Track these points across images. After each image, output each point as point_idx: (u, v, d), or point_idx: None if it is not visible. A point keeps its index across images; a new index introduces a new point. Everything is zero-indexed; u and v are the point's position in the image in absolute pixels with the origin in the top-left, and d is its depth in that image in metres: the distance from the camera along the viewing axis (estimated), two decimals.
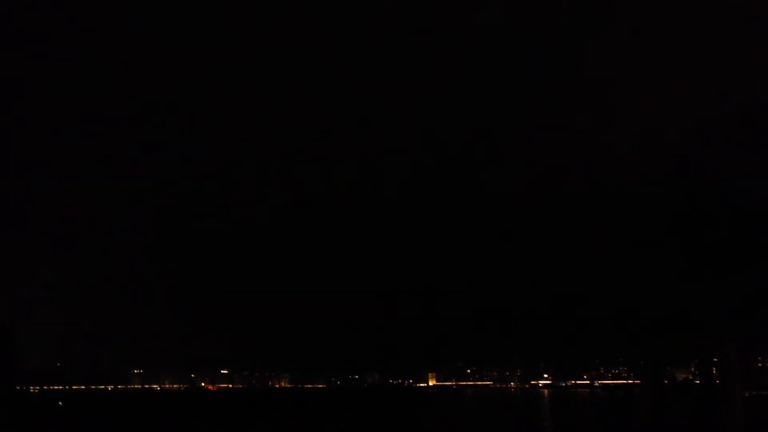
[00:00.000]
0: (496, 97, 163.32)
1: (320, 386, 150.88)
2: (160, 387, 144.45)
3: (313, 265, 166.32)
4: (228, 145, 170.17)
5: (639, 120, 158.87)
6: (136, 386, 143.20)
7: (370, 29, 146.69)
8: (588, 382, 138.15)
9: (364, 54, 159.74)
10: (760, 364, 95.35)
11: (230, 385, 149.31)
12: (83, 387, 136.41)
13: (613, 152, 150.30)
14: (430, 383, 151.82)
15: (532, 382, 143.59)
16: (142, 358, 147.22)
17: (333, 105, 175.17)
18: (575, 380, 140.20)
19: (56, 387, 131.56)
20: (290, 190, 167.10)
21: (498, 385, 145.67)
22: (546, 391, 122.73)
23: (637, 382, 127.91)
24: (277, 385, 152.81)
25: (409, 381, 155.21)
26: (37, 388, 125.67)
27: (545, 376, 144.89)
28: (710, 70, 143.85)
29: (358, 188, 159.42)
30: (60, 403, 59.90)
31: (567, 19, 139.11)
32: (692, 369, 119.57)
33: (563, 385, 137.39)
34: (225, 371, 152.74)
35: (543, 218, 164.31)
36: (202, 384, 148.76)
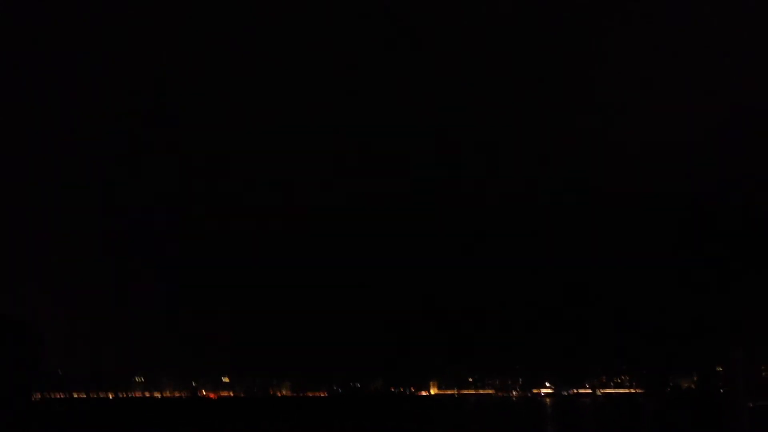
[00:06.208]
0: (498, 98, 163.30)
1: (321, 394, 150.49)
2: (161, 395, 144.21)
3: (313, 270, 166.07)
4: (226, 146, 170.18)
5: (644, 123, 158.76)
6: (137, 394, 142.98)
7: (371, 28, 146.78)
8: (590, 390, 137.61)
9: (363, 54, 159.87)
10: (764, 374, 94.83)
11: (231, 393, 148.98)
12: (84, 395, 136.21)
13: (615, 156, 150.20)
14: (432, 392, 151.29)
15: (534, 391, 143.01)
16: (143, 366, 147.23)
17: (332, 105, 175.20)
18: (577, 389, 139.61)
19: (57, 394, 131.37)
20: (289, 194, 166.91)
21: (500, 394, 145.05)
22: (548, 399, 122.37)
23: (640, 390, 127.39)
24: (279, 393, 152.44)
25: (410, 389, 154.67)
26: (38, 395, 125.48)
27: (547, 384, 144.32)
28: (718, 72, 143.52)
29: (359, 191, 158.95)
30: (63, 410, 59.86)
31: (571, 18, 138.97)
32: (694, 378, 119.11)
33: (565, 393, 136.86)
34: (226, 379, 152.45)
35: (545, 224, 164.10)
36: (203, 392, 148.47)
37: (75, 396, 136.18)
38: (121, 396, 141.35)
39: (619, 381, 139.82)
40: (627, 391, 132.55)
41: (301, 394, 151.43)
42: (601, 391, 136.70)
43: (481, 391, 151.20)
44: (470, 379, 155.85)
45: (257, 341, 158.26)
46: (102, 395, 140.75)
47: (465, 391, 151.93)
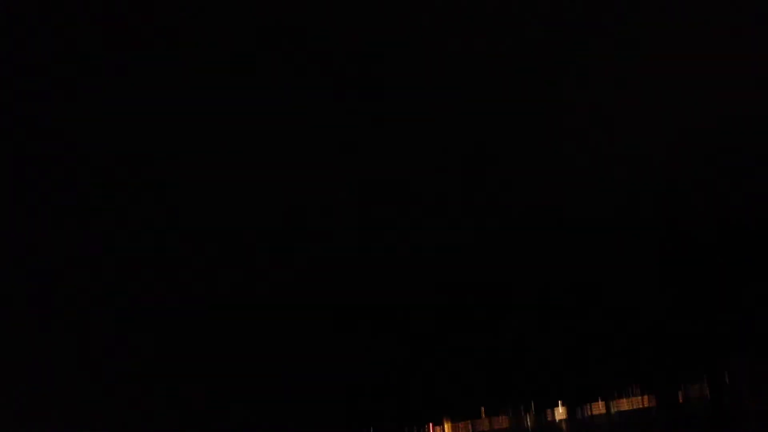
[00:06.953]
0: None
1: None
2: None
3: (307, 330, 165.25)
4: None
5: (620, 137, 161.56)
6: None
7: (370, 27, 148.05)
8: (605, 408, 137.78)
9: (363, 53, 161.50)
10: None
11: None
12: None
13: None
14: (446, 428, 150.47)
15: (548, 411, 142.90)
16: None
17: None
18: (591, 405, 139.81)
19: None
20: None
21: (515, 421, 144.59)
22: (564, 423, 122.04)
23: (652, 400, 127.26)
24: None
25: (424, 428, 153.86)
26: None
27: (559, 402, 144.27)
28: (699, 79, 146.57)
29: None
30: None
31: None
32: (706, 386, 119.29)
33: (580, 413, 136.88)
34: None
35: (545, 243, 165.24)
36: None
37: None
38: None
39: (630, 393, 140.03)
40: (640, 401, 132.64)
41: None
42: (617, 402, 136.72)
43: (494, 417, 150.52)
44: (482, 409, 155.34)
45: (258, 399, 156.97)
46: None
47: (479, 422, 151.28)
